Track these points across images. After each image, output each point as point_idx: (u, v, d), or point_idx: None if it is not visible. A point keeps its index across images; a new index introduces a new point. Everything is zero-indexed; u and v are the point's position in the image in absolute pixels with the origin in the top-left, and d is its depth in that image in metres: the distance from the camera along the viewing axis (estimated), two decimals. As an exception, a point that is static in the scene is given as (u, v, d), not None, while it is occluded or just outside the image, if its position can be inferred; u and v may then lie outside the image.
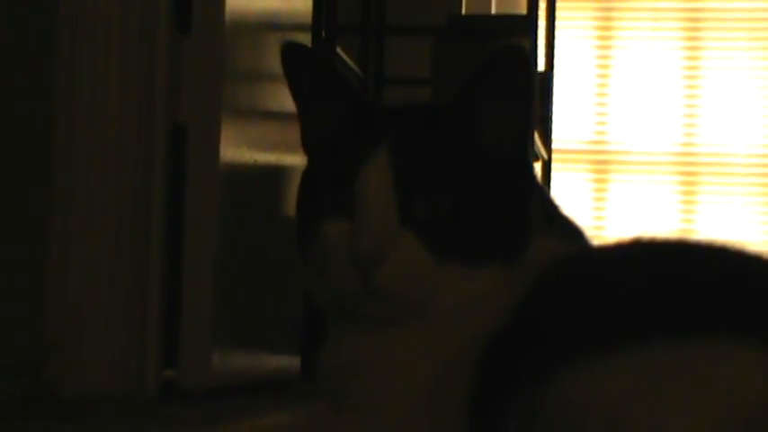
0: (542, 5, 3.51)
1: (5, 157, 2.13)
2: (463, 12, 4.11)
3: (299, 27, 2.81)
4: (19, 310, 2.16)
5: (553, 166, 3.86)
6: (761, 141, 4.38)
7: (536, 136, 3.33)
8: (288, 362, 2.68)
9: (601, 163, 4.47)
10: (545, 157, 3.71)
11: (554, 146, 3.84)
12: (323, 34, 3.02)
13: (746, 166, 4.39)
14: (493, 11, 4.27)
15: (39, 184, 2.18)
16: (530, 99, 1.06)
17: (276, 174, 2.59)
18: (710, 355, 0.87)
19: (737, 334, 0.87)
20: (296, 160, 1.28)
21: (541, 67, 3.69)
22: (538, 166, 3.68)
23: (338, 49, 3.19)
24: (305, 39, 2.82)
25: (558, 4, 3.90)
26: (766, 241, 4.28)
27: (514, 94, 1.04)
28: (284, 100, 1.14)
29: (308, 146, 1.11)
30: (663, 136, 4.43)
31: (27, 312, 2.17)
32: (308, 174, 1.09)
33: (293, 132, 1.14)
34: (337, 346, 1.07)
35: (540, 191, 1.10)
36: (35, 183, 2.18)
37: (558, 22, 3.89)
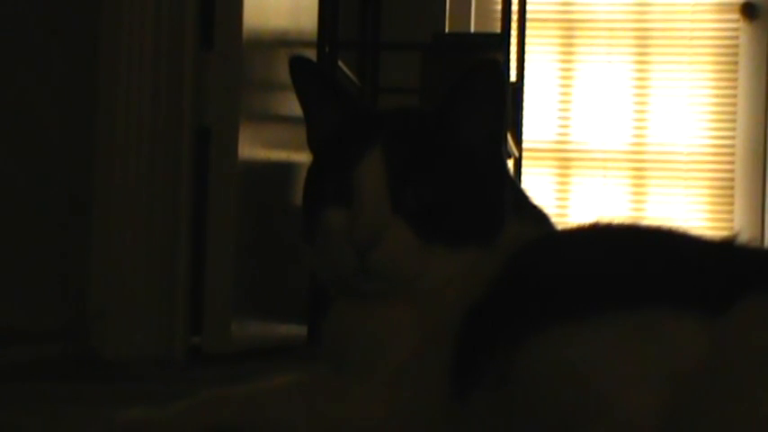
0: (514, 25, 3.50)
1: (53, 158, 2.12)
2: (447, 30, 4.10)
3: (305, 43, 2.80)
4: (68, 284, 2.16)
5: (523, 162, 3.85)
6: (699, 141, 4.38)
7: (509, 136, 3.32)
8: (296, 330, 2.67)
9: (564, 160, 4.47)
10: (516, 154, 3.70)
11: (524, 145, 3.83)
12: (326, 50, 3.01)
13: (687, 162, 4.39)
14: (472, 29, 4.26)
15: (84, 176, 2.18)
16: (503, 105, 1.05)
17: (286, 169, 2.58)
18: (657, 323, 0.87)
19: (680, 305, 0.87)
20: (302, 157, 1.27)
21: (513, 78, 3.68)
22: (510, 163, 3.67)
23: (339, 63, 3.18)
24: (311, 53, 2.81)
25: (527, 24, 3.89)
26: (705, 226, 4.28)
27: (490, 100, 1.04)
28: (293, 106, 1.13)
29: (312, 145, 1.11)
30: (616, 136, 4.42)
31: (75, 286, 2.17)
32: (312, 169, 1.08)
33: (300, 133, 1.13)
34: (338, 316, 1.07)
35: (513, 183, 1.10)
36: (81, 174, 2.18)
37: (527, 40, 3.87)
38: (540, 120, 4.42)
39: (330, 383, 1.03)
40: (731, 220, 4.33)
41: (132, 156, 2.20)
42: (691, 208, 4.39)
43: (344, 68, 3.28)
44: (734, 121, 4.37)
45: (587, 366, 0.86)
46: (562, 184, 4.49)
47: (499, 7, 3.32)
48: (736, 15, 4.35)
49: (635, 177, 4.45)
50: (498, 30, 3.32)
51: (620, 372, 0.85)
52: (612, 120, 4.45)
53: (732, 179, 4.37)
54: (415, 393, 0.98)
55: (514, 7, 3.49)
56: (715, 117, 4.40)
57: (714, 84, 4.40)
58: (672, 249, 0.96)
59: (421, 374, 0.98)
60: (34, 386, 1.72)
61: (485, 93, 1.03)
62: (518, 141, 3.70)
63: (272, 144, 2.52)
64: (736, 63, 4.37)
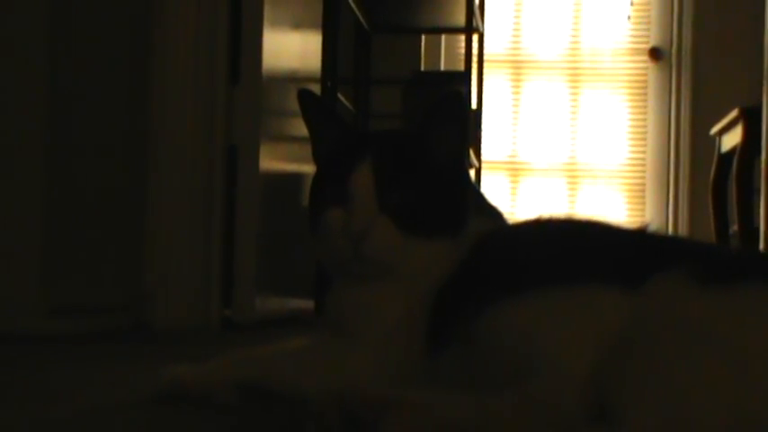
0: (475, 65, 3.50)
1: (112, 173, 2.11)
2: (422, 68, 4.11)
3: (311, 79, 2.80)
4: (124, 267, 2.14)
5: (482, 171, 3.85)
6: (618, 155, 4.40)
7: (471, 151, 3.31)
8: (305, 304, 2.67)
9: (514, 170, 4.47)
10: (477, 165, 3.70)
11: (483, 158, 3.83)
12: (328, 84, 3.00)
13: (609, 171, 4.41)
14: (442, 68, 4.27)
15: (138, 184, 2.17)
16: (465, 126, 1.05)
17: (296, 177, 2.57)
18: (587, 295, 0.86)
19: (606, 281, 0.86)
20: (308, 168, 1.26)
21: (474, 106, 3.68)
22: (472, 172, 3.67)
23: (339, 94, 3.17)
24: (316, 87, 2.80)
25: (485, 64, 3.89)
26: (624, 220, 4.29)
27: (455, 122, 1.03)
28: (301, 128, 1.12)
29: (316, 158, 1.10)
30: (554, 152, 4.43)
31: (130, 268, 2.16)
32: (316, 177, 1.08)
33: (307, 150, 1.12)
34: (337, 294, 1.06)
35: (474, 187, 1.09)
36: (137, 184, 2.17)
37: (485, 76, 3.87)
38: (495, 139, 4.43)
39: (330, 346, 1.02)
40: (643, 215, 4.36)
41: (176, 168, 2.19)
42: (612, 205, 4.41)
43: (342, 99, 3.28)
44: (645, 139, 4.41)
45: (532, 329, 0.86)
46: (513, 188, 4.50)
47: (463, 51, 3.33)
48: (646, 57, 4.40)
49: (569, 183, 4.47)
50: (462, 68, 3.32)
51: (558, 333, 0.85)
52: (551, 139, 4.47)
53: (644, 184, 4.41)
54: (399, 353, 0.97)
55: (475, 51, 3.49)
56: (630, 137, 4.44)
57: (629, 111, 4.44)
58: (598, 236, 0.96)
59: (403, 338, 0.98)
60: (99, 349, 1.70)
61: (451, 116, 1.03)
62: (478, 155, 3.70)
63: (286, 158, 2.51)
64: (645, 95, 4.41)
